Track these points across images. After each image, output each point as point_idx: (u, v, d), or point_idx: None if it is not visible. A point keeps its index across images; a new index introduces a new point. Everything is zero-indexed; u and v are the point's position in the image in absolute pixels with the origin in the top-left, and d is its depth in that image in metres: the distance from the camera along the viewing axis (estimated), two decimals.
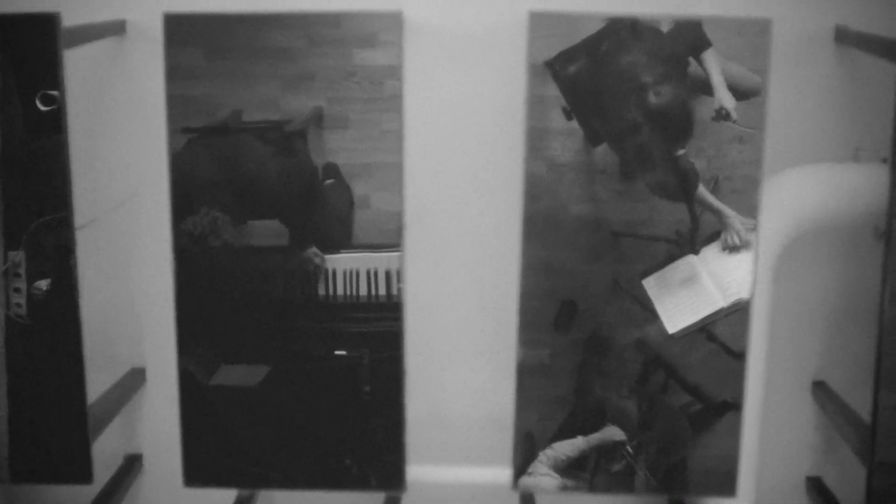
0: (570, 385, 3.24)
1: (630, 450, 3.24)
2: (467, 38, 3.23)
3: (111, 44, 3.23)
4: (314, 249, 3.20)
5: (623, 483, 3.27)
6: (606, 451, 3.26)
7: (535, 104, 3.09)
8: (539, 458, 3.26)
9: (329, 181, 3.17)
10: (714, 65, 3.05)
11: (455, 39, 3.23)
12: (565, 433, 3.27)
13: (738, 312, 3.15)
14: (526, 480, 3.28)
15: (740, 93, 3.07)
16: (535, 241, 3.14)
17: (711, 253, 3.14)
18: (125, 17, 3.23)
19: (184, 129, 3.13)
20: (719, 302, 3.14)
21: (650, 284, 3.17)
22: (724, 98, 3.06)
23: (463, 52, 3.24)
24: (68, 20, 2.86)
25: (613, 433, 3.25)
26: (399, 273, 3.20)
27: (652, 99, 3.05)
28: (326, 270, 3.21)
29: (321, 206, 3.19)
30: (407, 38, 3.13)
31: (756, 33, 3.02)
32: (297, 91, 3.12)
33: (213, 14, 3.08)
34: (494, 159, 3.29)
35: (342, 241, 3.20)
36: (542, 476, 3.25)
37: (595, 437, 3.25)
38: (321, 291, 3.22)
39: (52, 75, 2.82)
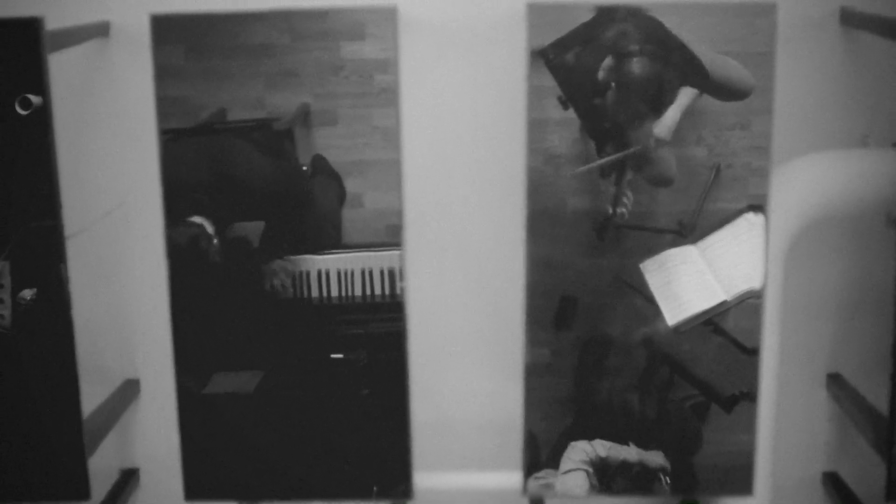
0: (573, 384, 3.19)
1: (668, 479, 3.20)
2: (462, 31, 3.18)
3: (95, 46, 3.18)
4: (280, 262, 3.16)
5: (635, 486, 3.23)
6: (642, 472, 3.22)
7: (531, 94, 3.03)
8: (575, 448, 3.22)
9: (305, 167, 3.13)
10: (684, 100, 3.03)
11: (450, 32, 3.18)
12: (573, 436, 3.22)
13: (747, 306, 3.10)
14: (555, 480, 3.24)
15: (731, 93, 3.04)
16: (536, 236, 3.09)
17: (713, 245, 3.09)
18: (108, 19, 3.17)
19: (168, 131, 3.08)
20: (721, 295, 3.09)
21: (648, 269, 3.11)
22: (661, 129, 3.04)
23: (458, 46, 3.20)
24: (49, 24, 2.80)
25: (658, 458, 3.21)
26: (397, 272, 3.17)
27: (632, 67, 3.00)
28: (319, 276, 3.18)
29: (309, 207, 3.14)
30: (401, 31, 3.09)
31: (760, 17, 2.97)
32: (282, 88, 3.07)
33: (201, 14, 3.05)
34: (494, 153, 3.24)
35: (333, 241, 3.16)
36: (577, 471, 3.20)
37: (643, 455, 3.21)
38: (314, 293, 3.17)
39: (36, 80, 2.77)
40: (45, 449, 3.00)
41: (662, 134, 3.03)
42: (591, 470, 3.20)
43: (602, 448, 3.21)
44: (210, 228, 3.11)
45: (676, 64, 2.99)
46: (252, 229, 3.15)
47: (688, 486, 3.25)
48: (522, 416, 3.21)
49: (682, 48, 2.98)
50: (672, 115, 3.02)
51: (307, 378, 3.21)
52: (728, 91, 3.02)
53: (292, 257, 3.17)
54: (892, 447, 2.93)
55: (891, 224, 3.16)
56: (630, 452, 3.21)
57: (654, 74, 3.01)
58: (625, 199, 3.08)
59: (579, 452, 3.21)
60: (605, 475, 3.21)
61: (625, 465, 3.21)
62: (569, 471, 3.21)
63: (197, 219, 3.10)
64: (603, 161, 3.07)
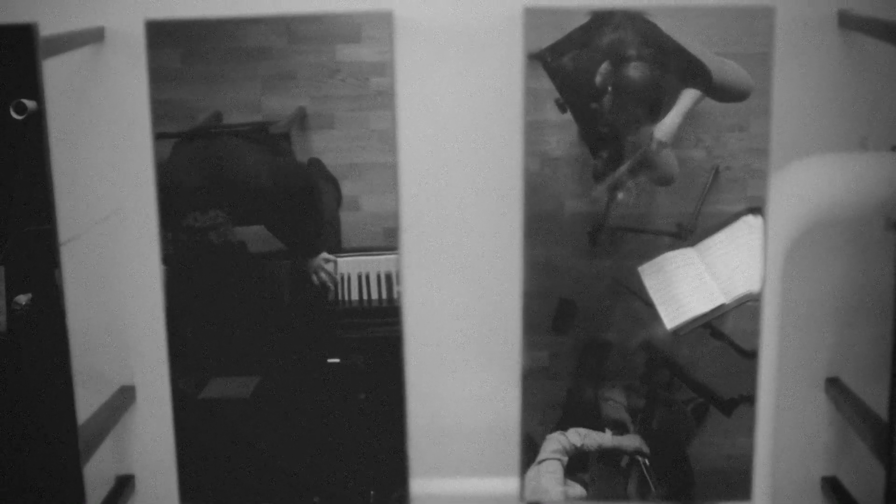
0: (571, 388, 3.19)
1: (647, 462, 3.18)
2: (459, 34, 3.16)
3: (90, 52, 3.17)
4: (325, 255, 3.15)
5: (623, 487, 3.22)
6: (616, 457, 3.20)
7: (528, 97, 3.03)
8: (550, 440, 3.21)
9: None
10: (686, 103, 3.03)
11: (446, 36, 3.17)
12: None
13: (746, 309, 3.08)
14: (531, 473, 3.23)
15: (730, 95, 3.03)
16: (534, 239, 3.08)
17: (712, 247, 3.08)
18: (103, 25, 3.15)
19: (161, 135, 3.08)
20: (720, 298, 3.08)
21: (646, 272, 3.10)
22: (663, 132, 3.03)
23: (455, 49, 3.18)
24: (44, 29, 2.78)
25: (637, 442, 3.20)
26: (393, 276, 3.17)
27: (630, 72, 2.99)
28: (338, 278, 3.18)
29: (308, 210, 3.13)
30: (397, 34, 3.09)
31: (759, 19, 2.97)
32: (279, 91, 3.07)
33: (196, 19, 3.06)
34: (491, 156, 3.22)
35: (330, 244, 3.15)
36: (550, 460, 3.18)
37: (619, 439, 3.19)
38: (331, 294, 3.18)
39: (31, 86, 2.75)
40: (40, 455, 2.98)
41: (663, 137, 3.02)
42: (565, 459, 3.19)
43: (576, 436, 3.20)
44: (224, 218, 3.10)
45: (677, 67, 2.98)
46: (249, 234, 3.14)
47: (685, 490, 3.23)
48: (519, 421, 3.20)
49: (680, 51, 2.97)
50: (673, 118, 3.01)
51: (304, 383, 3.20)
52: (726, 93, 3.01)
53: (330, 255, 3.19)
54: (892, 451, 2.89)
55: (890, 227, 3.14)
56: (605, 438, 3.20)
57: (651, 79, 3.01)
58: (627, 185, 3.08)
59: (553, 443, 3.21)
60: (582, 463, 3.20)
61: (601, 452, 3.20)
62: (542, 460, 3.20)
63: (212, 211, 3.10)
64: (617, 175, 3.06)
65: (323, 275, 3.18)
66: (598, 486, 3.23)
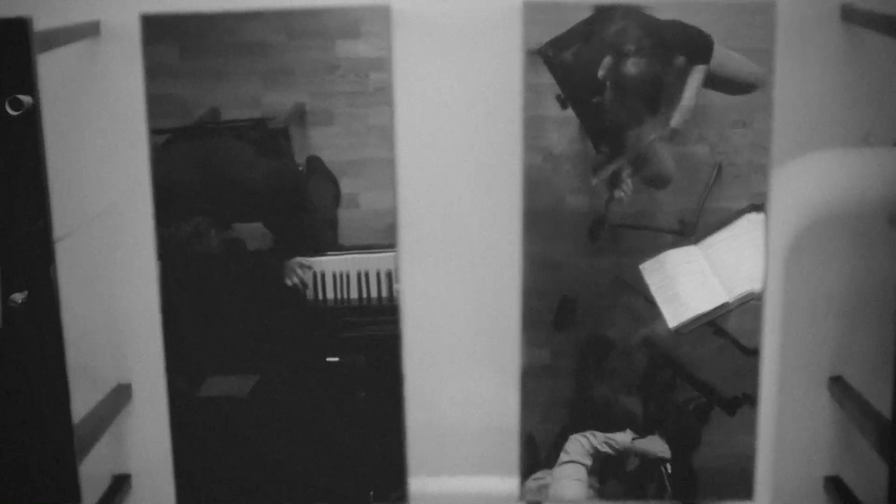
0: (573, 386, 3.17)
1: (668, 470, 3.17)
2: (457, 29, 3.15)
3: (85, 46, 3.15)
4: (298, 260, 3.13)
5: (633, 488, 3.20)
6: (643, 465, 3.20)
7: (528, 93, 3.03)
8: (573, 441, 3.20)
9: (301, 167, 3.11)
10: (695, 82, 3.00)
11: (445, 31, 3.15)
12: (569, 435, 3.22)
13: (748, 307, 3.08)
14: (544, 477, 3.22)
15: (740, 87, 3.02)
16: (533, 236, 3.07)
17: (715, 245, 3.06)
18: (99, 19, 3.13)
19: (159, 131, 3.07)
20: (723, 296, 3.07)
21: (648, 270, 3.09)
22: (676, 119, 3.02)
23: (453, 44, 3.16)
24: (39, 24, 2.76)
25: (659, 448, 3.18)
26: (392, 274, 3.16)
27: (627, 68, 2.98)
28: (315, 278, 3.14)
29: (306, 207, 3.12)
30: (395, 29, 3.08)
31: (759, 14, 2.97)
32: (277, 87, 3.07)
33: (192, 13, 3.05)
34: (490, 153, 3.21)
35: (329, 242, 3.13)
36: (575, 464, 3.17)
37: (642, 443, 3.18)
38: (309, 296, 3.14)
39: (26, 81, 2.72)
40: (35, 454, 2.96)
41: (676, 123, 3.00)
42: (589, 463, 3.18)
43: (599, 439, 3.18)
44: (209, 224, 3.09)
45: (679, 43, 2.97)
46: (247, 231, 3.12)
47: (688, 489, 3.22)
48: (519, 420, 3.20)
49: (679, 25, 2.96)
50: (687, 103, 2.99)
51: (303, 382, 3.19)
52: (732, 83, 3.00)
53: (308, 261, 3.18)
54: (895, 450, 2.89)
55: (893, 223, 3.12)
56: (627, 438, 3.18)
57: (649, 74, 2.99)
58: (623, 186, 3.06)
59: (576, 445, 3.19)
60: (605, 466, 3.18)
61: (625, 455, 3.18)
62: (565, 463, 3.18)
63: (197, 218, 3.09)
64: (615, 166, 3.05)
65: (296, 279, 3.16)
66: (606, 489, 3.21)
